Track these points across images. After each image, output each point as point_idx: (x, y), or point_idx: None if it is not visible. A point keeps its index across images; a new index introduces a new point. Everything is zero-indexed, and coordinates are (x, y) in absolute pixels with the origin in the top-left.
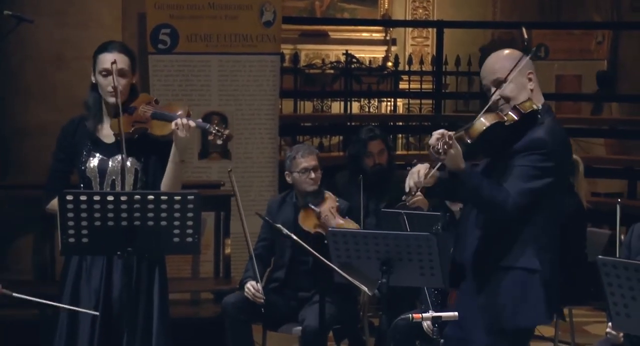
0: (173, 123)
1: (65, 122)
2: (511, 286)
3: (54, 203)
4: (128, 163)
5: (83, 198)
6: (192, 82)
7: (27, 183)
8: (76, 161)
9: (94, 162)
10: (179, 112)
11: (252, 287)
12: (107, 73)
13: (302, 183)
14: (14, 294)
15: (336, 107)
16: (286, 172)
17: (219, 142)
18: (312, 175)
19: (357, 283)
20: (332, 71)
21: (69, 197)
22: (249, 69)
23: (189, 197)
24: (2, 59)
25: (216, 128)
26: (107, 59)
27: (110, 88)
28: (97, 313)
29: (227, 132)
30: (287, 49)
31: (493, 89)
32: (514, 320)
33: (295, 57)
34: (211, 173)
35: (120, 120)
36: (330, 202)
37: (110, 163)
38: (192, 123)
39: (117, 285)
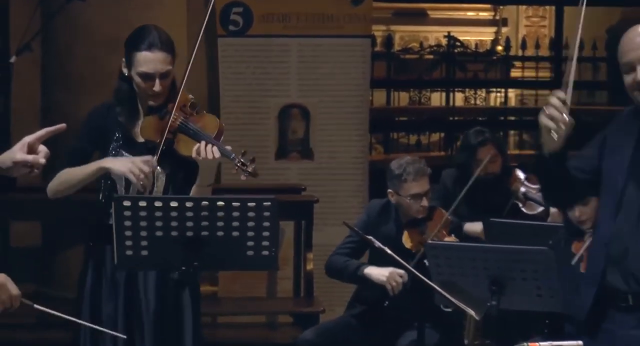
0: (194, 148)
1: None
2: None
3: (61, 175)
4: (158, 168)
5: (142, 204)
6: (267, 70)
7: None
8: (102, 153)
9: None
10: (208, 130)
11: (397, 275)
12: (148, 77)
13: (410, 210)
14: (35, 305)
15: (436, 99)
16: (390, 191)
17: (243, 177)
18: (424, 201)
19: (461, 305)
20: (431, 56)
21: (126, 203)
22: (334, 54)
23: (264, 204)
24: (48, 42)
25: (241, 160)
26: (149, 61)
27: (151, 92)
28: (124, 336)
29: (252, 167)
30: (378, 31)
31: None
32: None
33: (389, 40)
34: (290, 175)
35: (151, 120)
36: (439, 217)
37: None
38: (216, 153)
39: (149, 304)
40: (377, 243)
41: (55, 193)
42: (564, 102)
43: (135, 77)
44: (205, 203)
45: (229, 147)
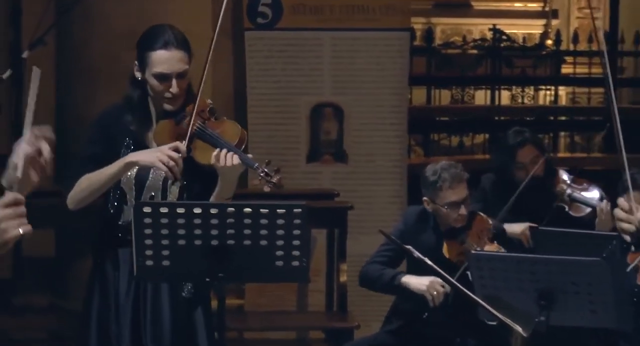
0: (213, 155)
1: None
2: None
3: (81, 181)
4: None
5: (164, 210)
6: (298, 66)
7: None
8: (111, 162)
9: (131, 170)
10: (228, 137)
11: (438, 285)
12: (165, 78)
13: (448, 219)
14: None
15: (480, 97)
16: (425, 199)
17: (267, 189)
18: (463, 210)
19: (507, 321)
20: (475, 51)
21: (147, 209)
22: (370, 48)
23: (295, 210)
24: (64, 35)
25: (265, 170)
26: (165, 60)
27: (168, 95)
28: None
29: (277, 178)
30: (418, 24)
31: None
32: None
33: (429, 34)
34: (322, 179)
35: (164, 124)
36: (480, 224)
37: (150, 175)
38: (235, 160)
39: (164, 322)
40: (416, 253)
41: (77, 203)
42: (629, 211)
43: (150, 79)
44: (231, 209)
45: (250, 155)
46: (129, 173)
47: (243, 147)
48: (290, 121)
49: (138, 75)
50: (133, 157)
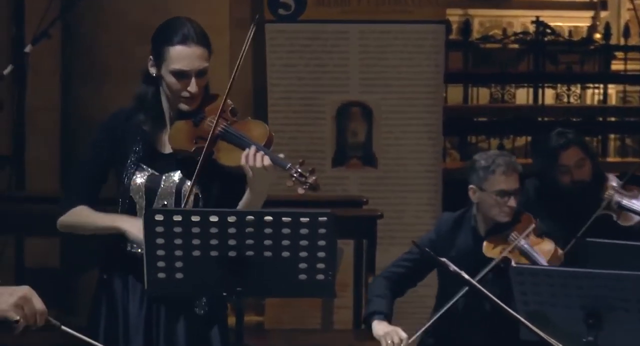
0: (242, 156)
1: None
2: None
3: (76, 213)
4: (187, 185)
5: (177, 218)
6: (323, 61)
7: (101, 195)
8: (118, 169)
9: (141, 177)
10: (255, 137)
11: (397, 336)
12: (183, 76)
13: (494, 210)
14: (62, 327)
15: (522, 96)
16: (472, 186)
17: (301, 190)
18: (512, 201)
19: (552, 341)
20: (516, 46)
21: (159, 217)
22: (401, 42)
23: (320, 219)
24: (71, 29)
25: (299, 170)
26: (185, 57)
27: (185, 94)
28: None
29: (312, 178)
30: (454, 15)
31: None
32: None
33: (466, 27)
34: (349, 185)
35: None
36: (527, 222)
37: (162, 182)
38: (267, 161)
39: (178, 343)
40: (452, 267)
41: (66, 230)
42: None
43: (166, 76)
44: (250, 217)
45: (282, 155)
46: (139, 181)
47: (272, 147)
48: (315, 121)
49: (152, 71)
50: (125, 224)
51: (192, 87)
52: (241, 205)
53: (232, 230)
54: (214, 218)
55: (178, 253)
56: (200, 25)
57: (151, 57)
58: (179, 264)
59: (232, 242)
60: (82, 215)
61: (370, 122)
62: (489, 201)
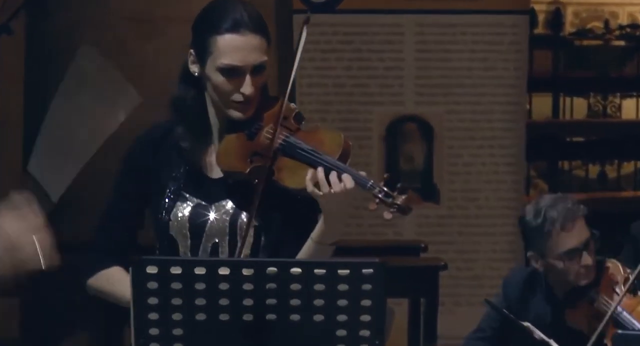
0: (307, 178)
1: (152, 119)
2: None
3: (107, 277)
4: (243, 217)
5: (176, 271)
6: (368, 62)
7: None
8: (154, 203)
9: (184, 209)
10: (329, 152)
11: None
12: (235, 73)
13: (567, 276)
14: None
15: (630, 108)
16: (531, 254)
17: (387, 214)
18: (587, 259)
19: None
20: (621, 42)
21: (152, 269)
22: (471, 39)
23: (364, 271)
24: (37, 21)
25: (384, 189)
26: (236, 49)
27: (238, 97)
28: None
29: (401, 198)
30: (541, 4)
31: None
32: None
33: (556, 18)
34: (403, 225)
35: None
36: (614, 274)
37: (212, 214)
38: (348, 181)
39: None
40: (538, 333)
41: (94, 294)
42: None
43: (213, 74)
44: (272, 269)
45: (363, 173)
46: (181, 214)
47: (348, 162)
48: (358, 141)
49: (194, 69)
50: None
51: (247, 87)
52: (313, 238)
53: (248, 287)
54: (224, 271)
55: (177, 317)
56: (255, 8)
57: (192, 50)
58: (177, 332)
59: (248, 302)
60: (109, 281)
61: (431, 142)
62: (557, 267)
